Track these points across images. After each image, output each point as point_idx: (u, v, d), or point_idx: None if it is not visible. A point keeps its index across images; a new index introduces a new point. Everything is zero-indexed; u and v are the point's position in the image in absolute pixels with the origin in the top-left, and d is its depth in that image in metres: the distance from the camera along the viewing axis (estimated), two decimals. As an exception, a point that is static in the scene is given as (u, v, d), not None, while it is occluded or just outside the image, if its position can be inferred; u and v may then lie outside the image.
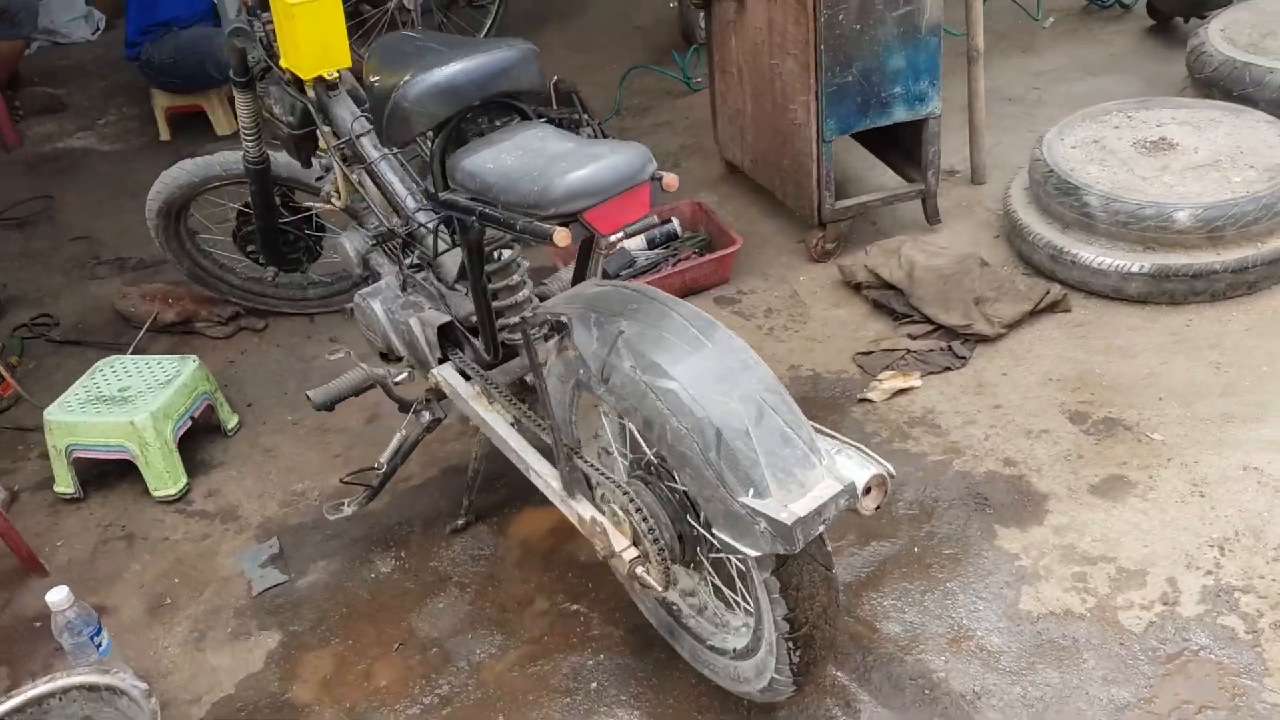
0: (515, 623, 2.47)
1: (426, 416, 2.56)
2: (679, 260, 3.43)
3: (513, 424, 2.27)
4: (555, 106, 2.99)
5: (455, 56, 1.97)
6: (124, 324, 3.69)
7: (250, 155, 2.97)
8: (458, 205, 2.00)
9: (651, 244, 3.53)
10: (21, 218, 4.48)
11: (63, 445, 2.91)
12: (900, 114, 3.28)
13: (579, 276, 2.26)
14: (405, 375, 2.49)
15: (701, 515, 1.95)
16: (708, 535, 1.97)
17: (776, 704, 2.15)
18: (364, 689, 2.36)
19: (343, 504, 2.64)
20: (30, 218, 4.49)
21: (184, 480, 2.97)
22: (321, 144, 2.64)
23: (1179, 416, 2.72)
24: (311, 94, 2.57)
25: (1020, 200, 3.34)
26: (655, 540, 1.93)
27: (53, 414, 2.92)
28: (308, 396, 2.50)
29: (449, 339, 2.42)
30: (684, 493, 1.96)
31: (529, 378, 2.34)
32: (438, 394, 2.57)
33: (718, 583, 2.09)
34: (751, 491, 1.68)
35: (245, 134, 2.91)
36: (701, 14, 4.94)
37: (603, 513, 2.03)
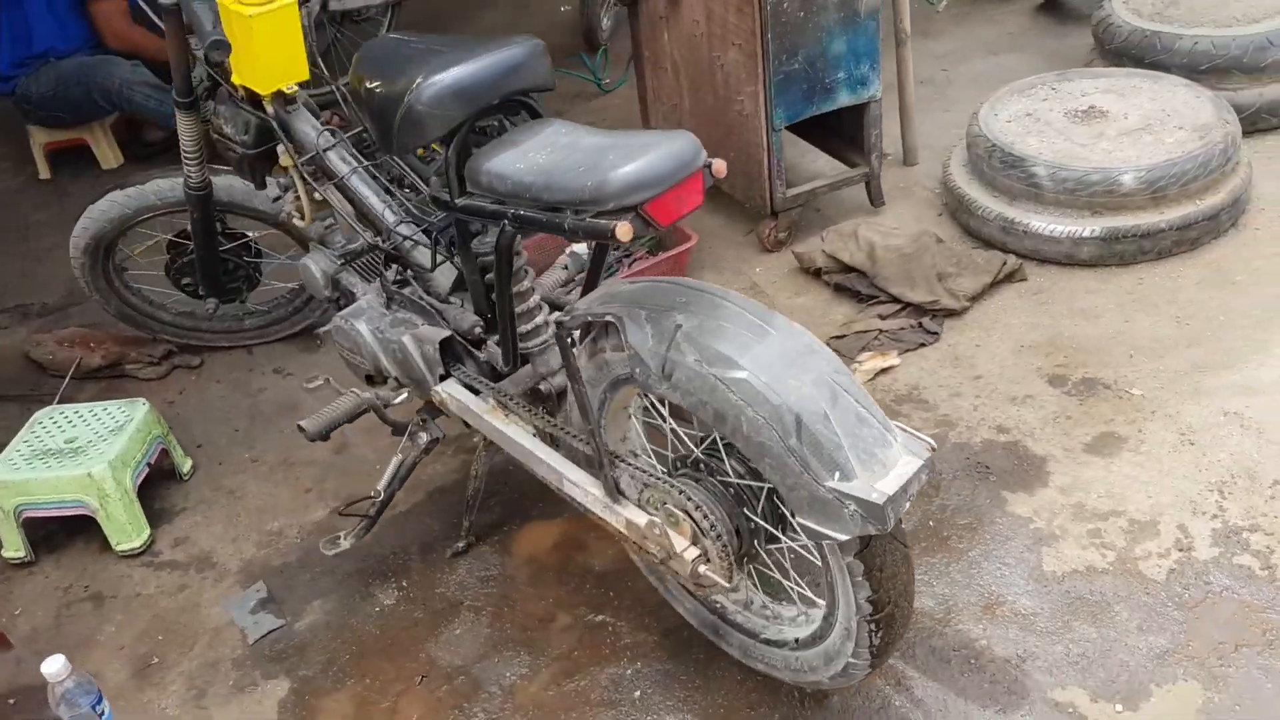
0: (541, 641, 2.39)
1: (424, 437, 2.46)
2: (634, 260, 3.39)
3: (535, 435, 2.19)
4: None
5: (466, 56, 1.89)
6: (41, 373, 3.44)
7: (192, 180, 2.80)
8: (482, 210, 1.91)
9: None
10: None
11: (11, 506, 2.69)
12: (844, 99, 3.31)
13: (593, 278, 2.19)
14: (405, 396, 2.38)
15: (758, 507, 1.93)
16: (765, 526, 1.95)
17: (829, 691, 2.14)
18: (395, 727, 2.25)
19: (338, 537, 2.51)
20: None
21: (147, 531, 2.78)
22: (283, 162, 2.50)
23: (1152, 371, 2.81)
24: (270, 110, 2.43)
25: (963, 177, 3.41)
26: (718, 536, 1.89)
27: (-3, 474, 2.71)
28: (300, 428, 2.36)
29: (448, 354, 2.32)
30: (738, 486, 1.93)
31: (543, 386, 2.26)
32: (433, 413, 2.47)
33: (775, 574, 2.06)
34: (837, 475, 1.65)
35: (187, 158, 2.74)
36: (604, 16, 4.98)
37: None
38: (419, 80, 1.86)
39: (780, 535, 1.96)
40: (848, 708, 2.14)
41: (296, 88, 2.44)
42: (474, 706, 2.27)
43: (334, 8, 2.93)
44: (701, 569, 1.91)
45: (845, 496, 1.64)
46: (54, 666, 2.08)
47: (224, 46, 2.04)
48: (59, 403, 3.15)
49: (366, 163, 2.47)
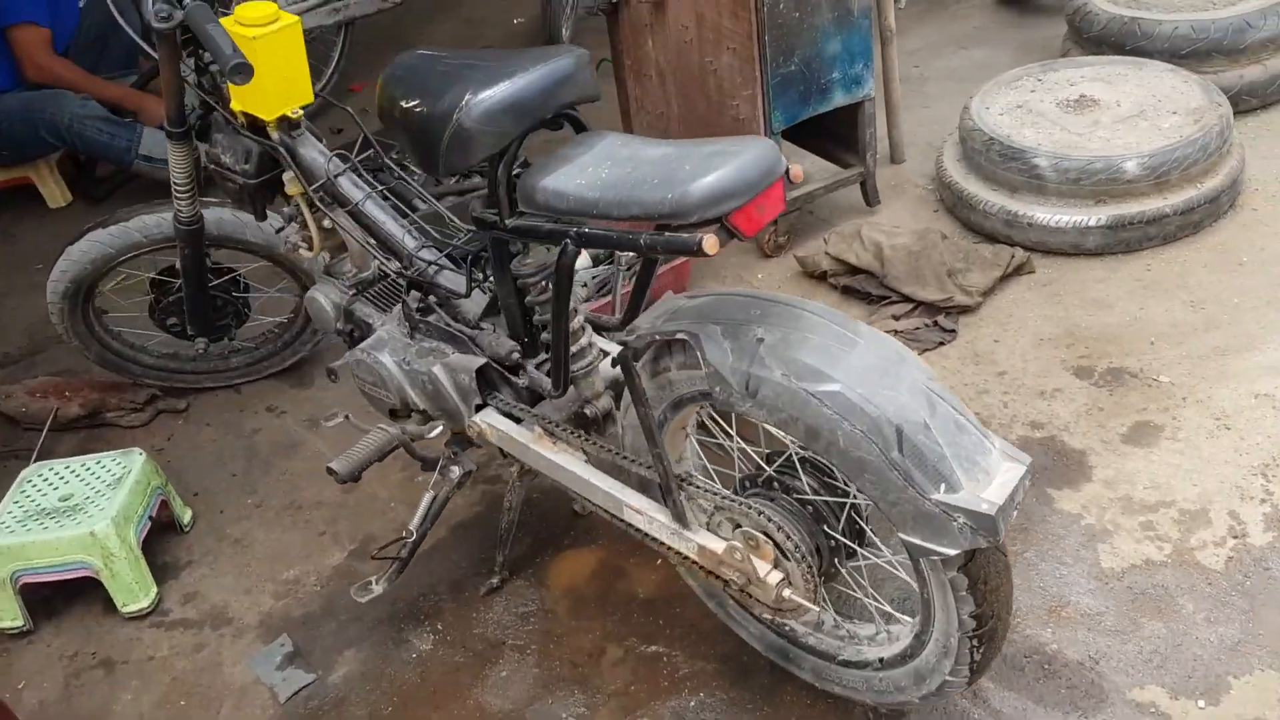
0: (594, 677, 2.28)
1: (456, 471, 2.34)
2: (634, 273, 3.29)
3: (586, 461, 2.09)
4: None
5: (514, 70, 1.79)
6: (14, 428, 3.24)
7: (183, 215, 2.65)
8: (537, 231, 1.82)
9: (596, 260, 3.38)
10: None
11: (6, 573, 2.52)
12: (839, 99, 3.27)
13: (639, 296, 2.10)
14: (440, 430, 2.26)
15: (839, 523, 1.85)
16: (846, 543, 1.88)
17: (910, 709, 2.07)
18: (454, 780, 2.13)
19: (369, 583, 2.38)
20: None
21: (154, 589, 2.62)
22: (289, 190, 2.37)
23: (1176, 357, 2.79)
24: (275, 136, 2.31)
25: (959, 171, 3.39)
26: (802, 558, 1.81)
27: (-11, 539, 2.53)
28: (331, 470, 2.23)
29: (483, 382, 2.22)
30: (815, 504, 1.85)
31: (588, 410, 2.16)
32: (464, 445, 2.36)
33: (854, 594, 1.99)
34: (943, 487, 1.58)
35: (178, 191, 2.59)
36: (565, 25, 4.89)
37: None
38: (467, 98, 1.75)
39: (859, 550, 1.89)
40: (927, 727, 2.08)
41: (301, 112, 2.32)
42: (534, 751, 2.16)
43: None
44: (786, 593, 1.83)
45: (953, 509, 1.57)
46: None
47: (247, 70, 1.91)
48: (38, 457, 2.97)
49: (380, 187, 2.36)
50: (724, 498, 1.86)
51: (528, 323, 2.17)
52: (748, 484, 1.94)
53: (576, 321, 2.12)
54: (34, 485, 2.67)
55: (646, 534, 1.99)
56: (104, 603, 2.61)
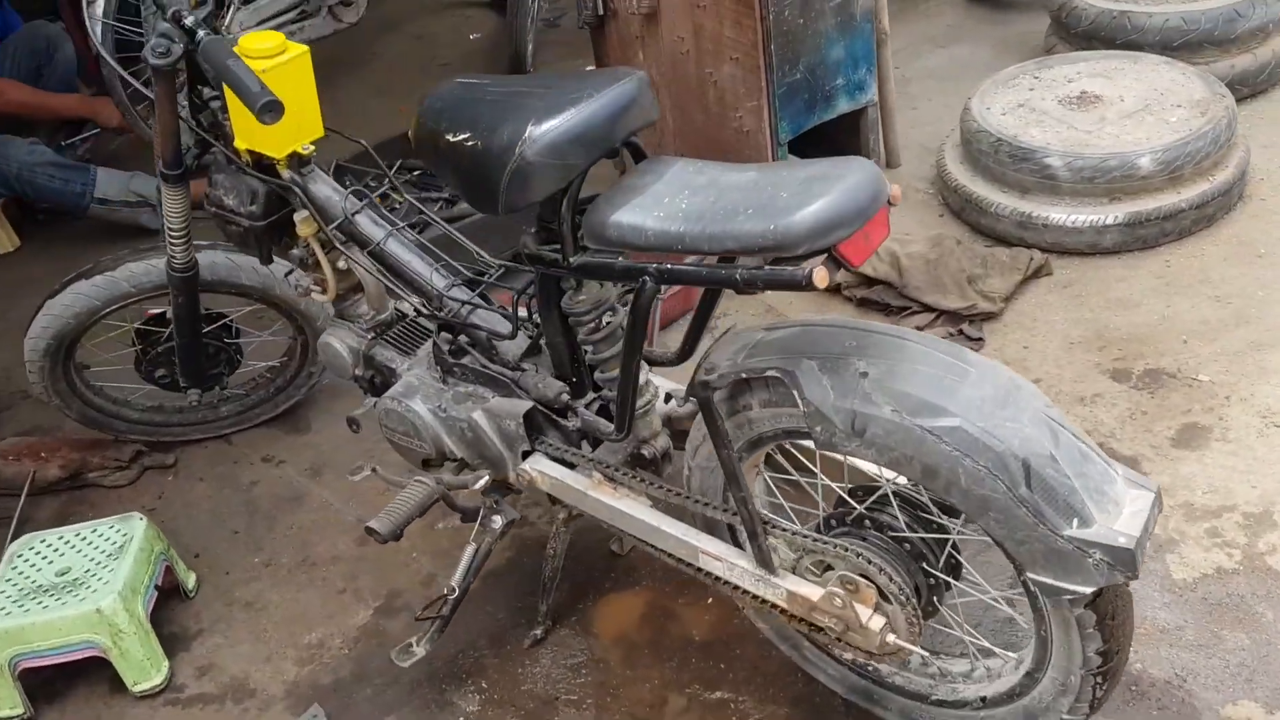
0: (659, 730, 2.16)
1: (498, 521, 2.20)
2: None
3: (652, 507, 1.96)
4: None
5: (575, 97, 1.66)
6: (-14, 494, 3.02)
7: (178, 261, 2.47)
8: (609, 268, 1.69)
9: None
10: None
11: (6, 658, 2.31)
12: (843, 105, 3.19)
13: (700, 327, 1.98)
14: (487, 479, 2.11)
15: (938, 560, 1.75)
16: (947, 580, 1.77)
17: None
18: None
19: (410, 645, 2.22)
20: None
21: (166, 664, 2.44)
22: (301, 231, 2.21)
23: (1211, 354, 2.75)
24: (286, 175, 2.15)
25: (964, 174, 3.32)
26: (906, 600, 1.70)
27: (-16, 623, 2.33)
28: (371, 529, 2.07)
29: (529, 426, 2.08)
30: (913, 541, 1.75)
31: (645, 450, 2.04)
32: (503, 492, 2.22)
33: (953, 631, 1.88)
34: (1076, 522, 1.49)
35: (173, 236, 2.41)
36: (529, 39, 4.74)
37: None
38: (530, 130, 1.61)
39: (956, 587, 1.80)
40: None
41: (312, 147, 2.16)
42: (608, 817, 2.03)
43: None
44: (890, 638, 1.72)
45: (1088, 545, 1.48)
46: None
47: (278, 108, 1.76)
48: (17, 525, 2.77)
49: (401, 224, 2.21)
50: (815, 539, 1.75)
51: (575, 362, 2.04)
52: (833, 523, 1.83)
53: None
54: (26, 560, 2.47)
55: (725, 581, 1.87)
56: (110, 681, 2.42)
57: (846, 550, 1.71)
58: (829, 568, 1.80)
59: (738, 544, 1.90)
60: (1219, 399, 2.62)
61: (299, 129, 2.13)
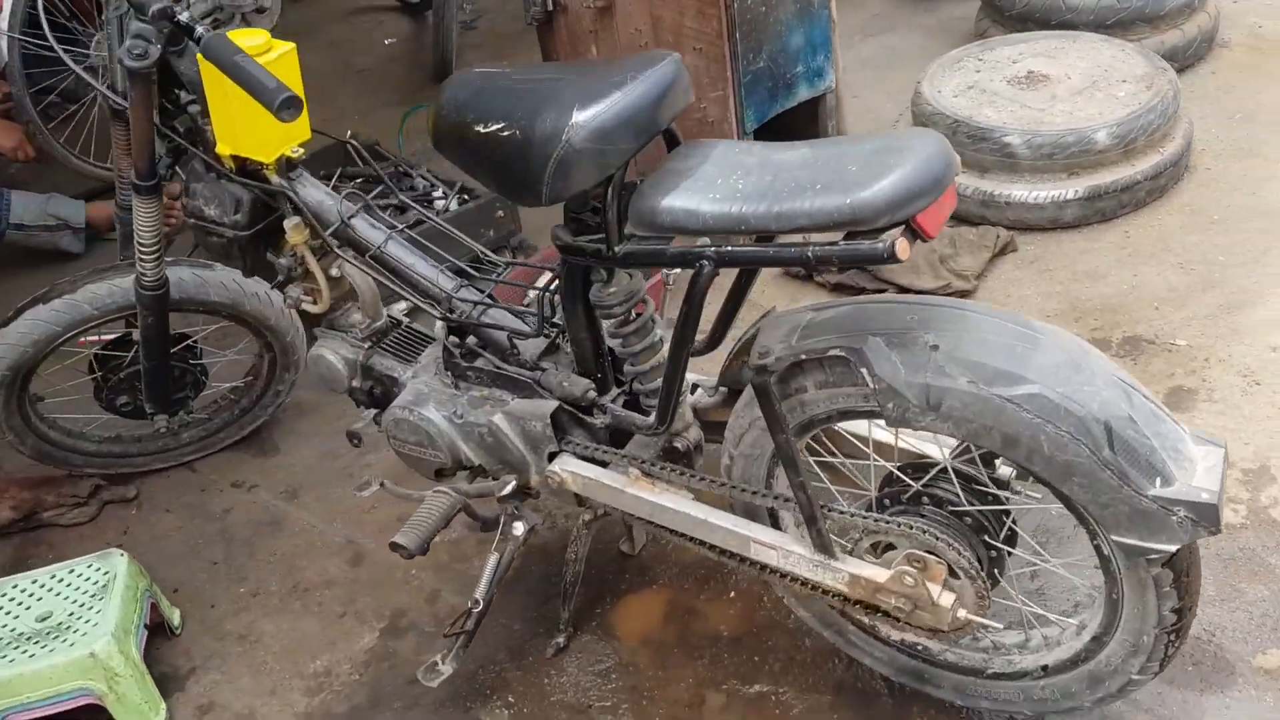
0: (701, 730, 2.11)
1: (520, 528, 2.12)
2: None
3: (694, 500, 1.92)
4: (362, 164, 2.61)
5: (618, 81, 1.59)
6: (-71, 543, 2.82)
7: (148, 278, 2.33)
8: (660, 255, 1.64)
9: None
10: None
11: (-9, 715, 2.15)
12: (804, 93, 3.19)
13: (731, 313, 1.94)
14: (513, 485, 2.03)
15: (999, 532, 1.75)
16: (1008, 550, 1.77)
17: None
18: None
19: (436, 663, 2.13)
20: None
21: (163, 706, 2.29)
22: (291, 239, 2.10)
23: (1184, 319, 2.82)
24: (275, 180, 2.04)
25: (922, 156, 3.34)
26: (976, 574, 1.69)
27: (-37, 679, 2.15)
28: (397, 545, 1.98)
29: (555, 427, 2.01)
30: (972, 515, 1.74)
31: (678, 443, 1.99)
32: (520, 498, 2.15)
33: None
34: (1159, 481, 1.49)
35: (144, 252, 2.28)
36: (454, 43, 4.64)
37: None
38: (575, 116, 1.55)
39: (1014, 556, 1.80)
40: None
41: (301, 150, 2.07)
42: (663, 823, 1.97)
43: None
44: (961, 614, 1.70)
45: (1172, 503, 1.48)
46: None
47: (297, 103, 1.66)
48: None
49: (400, 226, 2.12)
50: (877, 520, 1.73)
51: (599, 357, 1.98)
52: (886, 502, 1.81)
53: (667, 350, 1.95)
54: (0, 609, 2.30)
55: (781, 569, 1.83)
56: (102, 731, 2.27)
57: (912, 528, 1.69)
58: (887, 548, 1.78)
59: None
60: (1199, 361, 2.68)
61: (287, 131, 2.03)
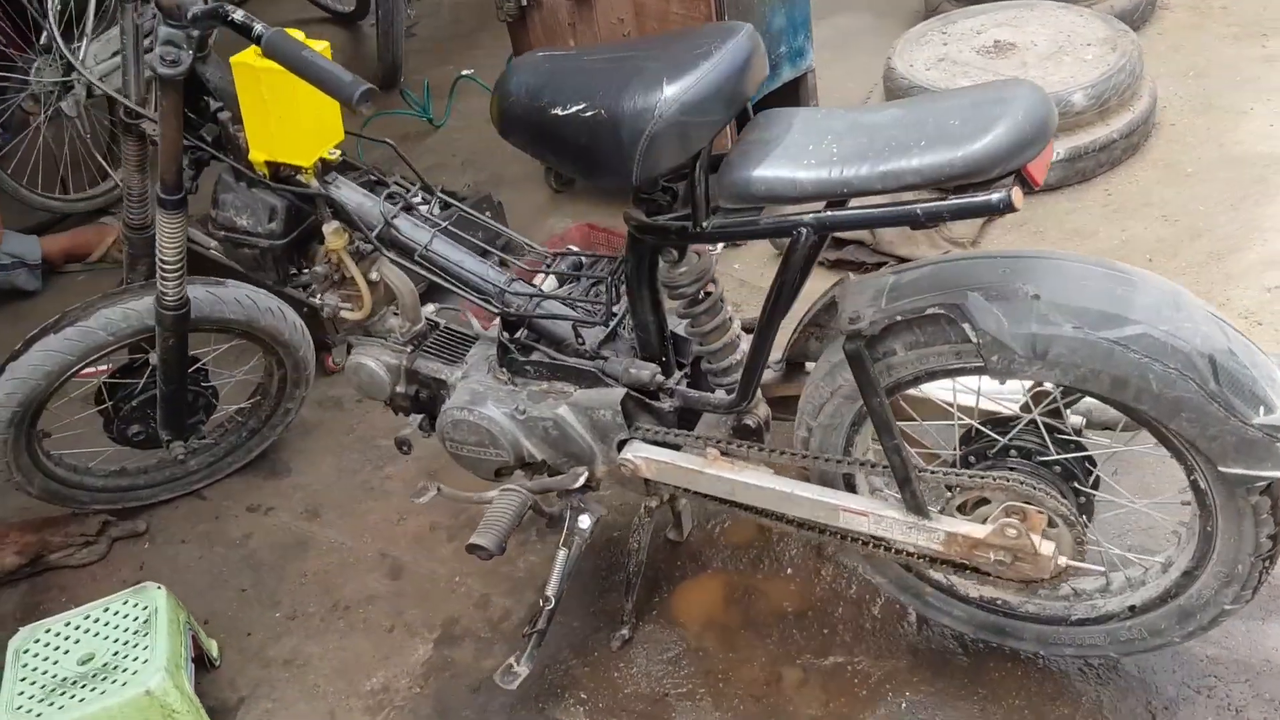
0: (783, 707, 2.11)
1: (587, 521, 2.10)
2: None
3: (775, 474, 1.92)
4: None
5: (699, 53, 1.58)
6: (-71, 597, 2.68)
7: (170, 298, 2.24)
8: (753, 226, 1.63)
9: (561, 280, 3.15)
10: None
11: (46, 765, 2.05)
12: (787, 74, 3.21)
13: (795, 284, 1.93)
14: (585, 477, 2.01)
15: (1087, 479, 1.78)
16: (1097, 495, 1.81)
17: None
18: None
19: (511, 665, 2.09)
20: None
21: (220, 740, 2.22)
22: (330, 245, 2.04)
23: (1178, 268, 2.91)
24: (315, 185, 1.99)
25: (901, 130, 3.39)
26: (1074, 521, 1.72)
27: (14, 731, 2.05)
28: (477, 546, 1.93)
29: (625, 414, 1.99)
30: (1061, 463, 1.77)
31: (749, 420, 1.98)
32: (585, 490, 2.12)
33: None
34: (1263, 409, 1.53)
35: (166, 270, 2.19)
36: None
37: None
38: (664, 91, 1.54)
39: (1100, 500, 1.83)
40: (1149, 668, 2.03)
41: (339, 152, 2.01)
42: (764, 801, 1.96)
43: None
44: (1062, 560, 1.73)
45: (1277, 430, 1.53)
46: None
47: (375, 95, 1.61)
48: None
49: (443, 223, 2.08)
50: (972, 476, 1.74)
51: (663, 340, 1.96)
52: (972, 459, 1.83)
53: (736, 327, 1.95)
54: (36, 655, 2.19)
55: (872, 535, 1.84)
56: (155, 773, 2.17)
57: (1009, 481, 1.71)
58: (977, 505, 1.80)
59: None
60: (1200, 307, 2.77)
61: (322, 132, 1.98)
